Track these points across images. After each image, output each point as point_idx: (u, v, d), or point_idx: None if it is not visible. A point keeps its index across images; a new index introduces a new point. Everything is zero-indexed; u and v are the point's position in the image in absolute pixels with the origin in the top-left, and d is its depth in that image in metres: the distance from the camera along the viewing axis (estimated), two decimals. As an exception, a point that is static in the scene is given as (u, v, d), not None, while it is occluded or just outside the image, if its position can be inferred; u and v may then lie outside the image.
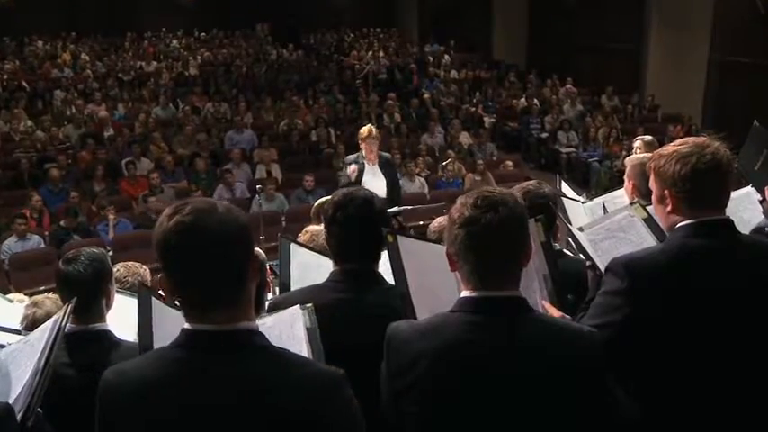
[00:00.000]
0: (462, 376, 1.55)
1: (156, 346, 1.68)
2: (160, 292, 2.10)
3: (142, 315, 1.76)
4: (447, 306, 1.63)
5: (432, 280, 1.85)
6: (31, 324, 2.50)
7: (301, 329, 1.71)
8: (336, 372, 1.41)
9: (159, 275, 1.42)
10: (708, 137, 1.88)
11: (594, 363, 1.59)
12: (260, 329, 1.46)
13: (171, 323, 1.79)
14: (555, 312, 1.85)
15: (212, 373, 1.35)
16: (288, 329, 1.67)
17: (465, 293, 1.61)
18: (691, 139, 1.88)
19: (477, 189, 1.64)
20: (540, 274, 1.94)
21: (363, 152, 6.22)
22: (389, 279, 2.14)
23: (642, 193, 2.50)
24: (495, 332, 1.56)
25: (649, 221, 2.13)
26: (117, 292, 2.44)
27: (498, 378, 1.54)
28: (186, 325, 1.40)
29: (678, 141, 1.90)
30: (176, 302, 1.44)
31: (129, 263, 2.95)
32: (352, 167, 6.08)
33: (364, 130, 6.25)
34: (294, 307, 1.76)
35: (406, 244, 1.91)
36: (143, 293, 1.80)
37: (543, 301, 1.91)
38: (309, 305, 1.75)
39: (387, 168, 6.31)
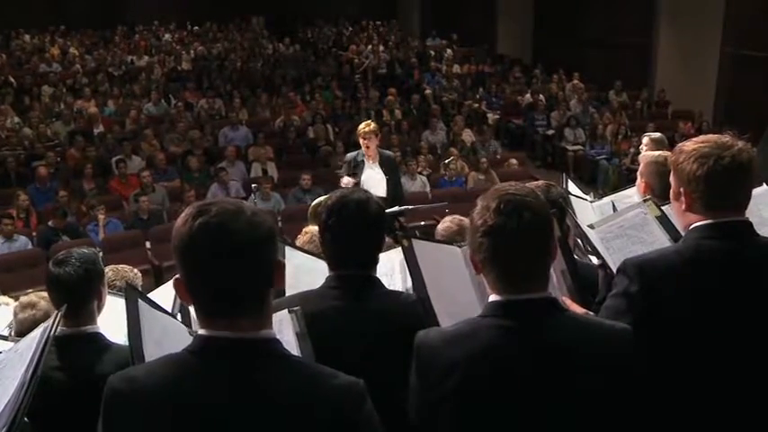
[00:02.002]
0: (498, 382, 1.55)
1: (146, 349, 1.66)
2: (150, 294, 2.10)
3: (130, 318, 1.74)
4: (466, 309, 1.64)
5: (449, 283, 1.86)
6: (29, 327, 2.49)
7: (291, 335, 1.70)
8: (360, 382, 1.41)
9: (175, 278, 1.40)
10: (731, 136, 1.87)
11: (630, 356, 1.60)
12: None
13: (160, 326, 1.78)
14: (577, 309, 1.85)
15: (231, 383, 1.33)
16: (276, 335, 1.66)
17: (494, 297, 1.61)
18: (713, 137, 1.88)
19: (499, 188, 1.63)
20: (557, 271, 1.93)
21: (363, 149, 6.22)
22: (387, 282, 2.13)
23: (656, 193, 2.49)
24: (528, 335, 1.56)
25: (662, 219, 2.12)
26: (108, 293, 2.43)
27: (535, 381, 1.54)
28: (202, 331, 1.38)
29: (701, 138, 1.90)
30: (192, 306, 1.42)
31: (119, 266, 2.95)
32: (346, 180, 6.03)
33: (363, 126, 6.26)
34: (282, 312, 1.75)
35: (420, 247, 1.90)
36: (130, 296, 1.79)
37: (564, 298, 1.91)
38: (297, 308, 1.74)
39: (388, 166, 6.31)
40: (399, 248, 2.41)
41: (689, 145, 1.88)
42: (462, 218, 2.90)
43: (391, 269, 2.42)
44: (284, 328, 1.70)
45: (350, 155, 6.45)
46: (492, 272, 1.59)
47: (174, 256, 1.36)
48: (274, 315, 1.70)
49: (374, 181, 6.03)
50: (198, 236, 1.32)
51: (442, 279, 1.86)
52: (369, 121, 6.50)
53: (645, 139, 4.70)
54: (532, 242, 1.56)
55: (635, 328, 1.75)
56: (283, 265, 1.44)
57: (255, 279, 1.36)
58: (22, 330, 2.50)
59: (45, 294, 2.61)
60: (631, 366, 1.60)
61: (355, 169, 6.17)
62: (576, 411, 1.55)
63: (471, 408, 1.57)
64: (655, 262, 1.83)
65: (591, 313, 1.86)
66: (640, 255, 1.91)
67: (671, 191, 1.93)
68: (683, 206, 1.87)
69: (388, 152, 6.67)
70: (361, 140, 6.20)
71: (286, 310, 1.75)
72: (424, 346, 1.63)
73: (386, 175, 6.21)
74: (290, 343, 1.68)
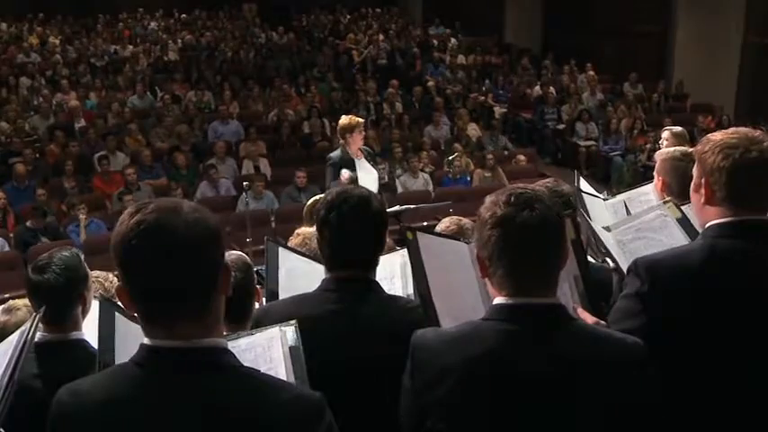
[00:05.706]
0: (496, 391, 1.55)
1: (118, 362, 1.66)
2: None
3: (103, 329, 1.76)
4: (470, 310, 1.63)
5: (453, 281, 1.85)
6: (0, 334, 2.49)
7: (279, 352, 1.68)
8: (316, 396, 1.40)
9: (117, 285, 1.40)
10: (762, 131, 1.89)
11: (640, 375, 1.58)
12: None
13: (134, 337, 1.78)
14: (589, 318, 1.85)
15: (176, 396, 1.33)
16: (264, 353, 1.65)
17: (499, 300, 1.60)
18: (744, 130, 1.90)
19: (509, 186, 1.65)
20: (570, 276, 1.93)
21: (347, 146, 6.10)
22: (387, 286, 2.13)
23: (674, 191, 2.49)
24: (533, 343, 1.56)
25: (683, 222, 2.13)
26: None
27: (536, 393, 1.53)
28: (146, 340, 1.38)
29: (731, 129, 1.93)
30: (135, 315, 1.42)
31: (96, 272, 2.93)
32: (346, 174, 5.93)
33: (350, 121, 6.13)
34: (273, 329, 1.73)
35: (426, 242, 1.89)
36: (104, 307, 1.79)
37: (576, 306, 1.91)
38: (293, 322, 1.71)
39: (372, 159, 6.34)
40: (400, 252, 2.41)
41: (717, 135, 1.90)
42: (461, 218, 2.91)
43: (391, 273, 2.43)
44: (273, 345, 1.68)
45: (334, 155, 6.26)
46: (499, 269, 1.58)
47: (113, 259, 1.36)
48: (262, 333, 1.71)
49: (366, 178, 5.98)
50: (133, 235, 1.32)
51: (447, 277, 1.86)
52: (352, 116, 6.38)
53: (665, 134, 4.71)
54: (544, 238, 1.56)
55: (644, 329, 1.77)
56: (230, 269, 1.42)
57: (195, 282, 1.35)
58: None
59: (12, 307, 2.60)
60: (641, 383, 1.58)
61: (348, 168, 6.08)
62: (577, 426, 1.54)
63: (465, 415, 1.56)
64: (666, 261, 1.84)
65: (603, 322, 1.87)
66: (650, 254, 1.92)
67: (692, 183, 1.94)
68: (702, 199, 1.88)
69: (365, 147, 6.61)
70: (348, 137, 6.05)
71: (276, 329, 1.71)
72: (420, 347, 1.63)
73: (374, 168, 6.22)
74: (278, 360, 1.66)
